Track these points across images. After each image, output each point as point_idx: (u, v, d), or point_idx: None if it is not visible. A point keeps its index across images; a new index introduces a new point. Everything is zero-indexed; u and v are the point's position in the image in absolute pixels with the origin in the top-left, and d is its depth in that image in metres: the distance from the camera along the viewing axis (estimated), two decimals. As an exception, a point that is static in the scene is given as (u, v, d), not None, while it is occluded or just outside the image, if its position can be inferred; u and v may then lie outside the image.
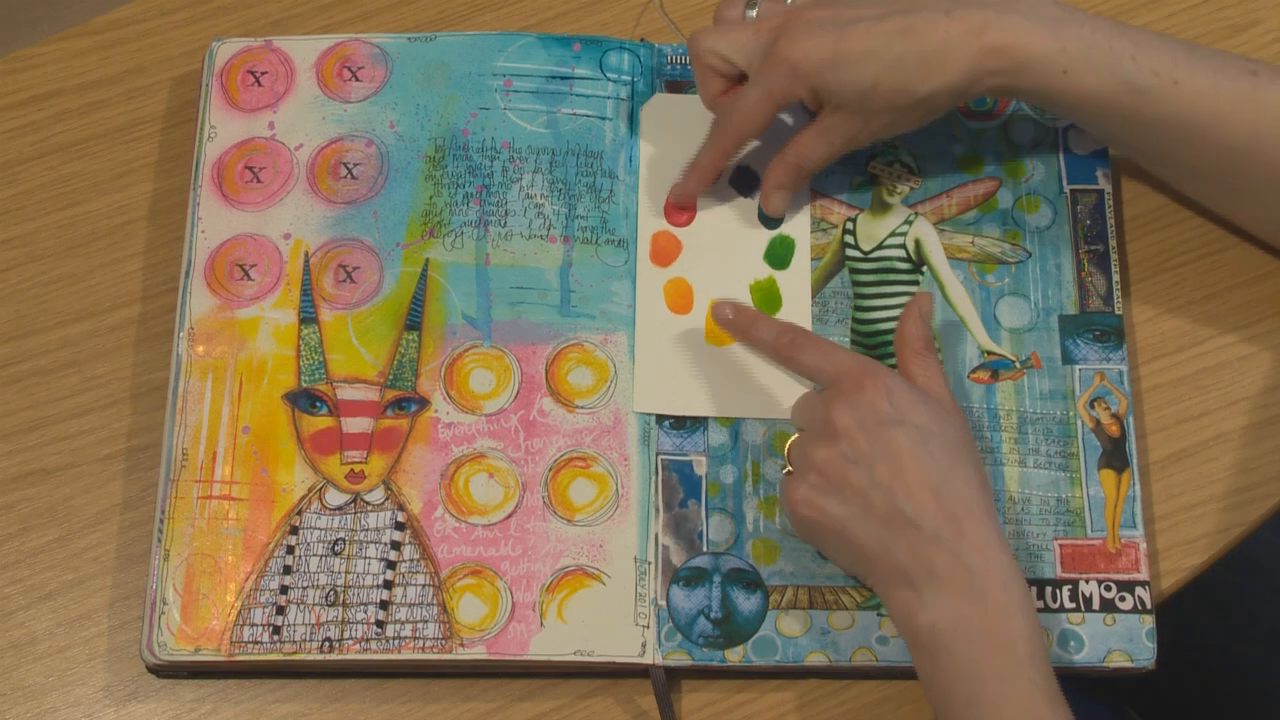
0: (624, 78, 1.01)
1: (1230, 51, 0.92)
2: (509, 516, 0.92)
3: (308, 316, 0.96)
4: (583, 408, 0.94)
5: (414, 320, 0.96)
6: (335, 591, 0.90)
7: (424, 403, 0.94)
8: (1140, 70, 0.89)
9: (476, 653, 0.89)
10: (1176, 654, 0.91)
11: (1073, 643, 0.89)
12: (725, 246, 0.98)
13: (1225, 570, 0.93)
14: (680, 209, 0.98)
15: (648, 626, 0.90)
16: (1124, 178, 1.00)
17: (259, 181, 0.99)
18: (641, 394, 0.94)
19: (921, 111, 0.92)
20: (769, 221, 0.98)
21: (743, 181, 0.99)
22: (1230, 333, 0.97)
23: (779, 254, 0.98)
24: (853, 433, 0.85)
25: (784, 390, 0.94)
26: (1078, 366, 0.95)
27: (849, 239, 0.98)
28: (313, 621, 0.90)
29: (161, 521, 0.92)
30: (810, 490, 0.86)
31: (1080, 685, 0.86)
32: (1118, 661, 0.89)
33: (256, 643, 0.89)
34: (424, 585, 0.90)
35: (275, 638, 0.89)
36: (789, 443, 0.90)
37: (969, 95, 0.91)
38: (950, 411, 0.87)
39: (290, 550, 0.91)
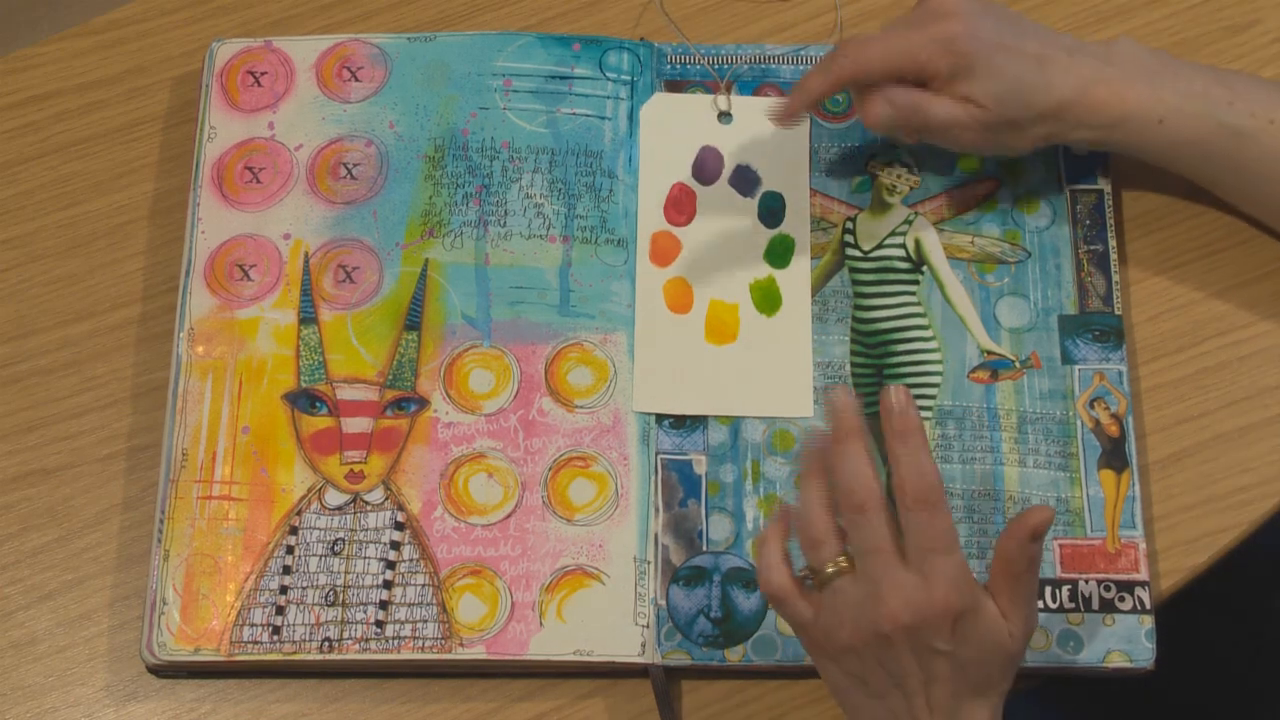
0: (624, 77, 1.01)
1: None
2: (508, 516, 0.92)
3: (307, 316, 0.96)
4: (582, 407, 0.94)
5: (413, 320, 0.96)
6: (335, 591, 0.90)
7: (423, 403, 0.94)
8: (1237, 113, 0.91)
9: (476, 653, 0.89)
10: (1166, 654, 0.91)
11: (1072, 643, 0.89)
12: (725, 246, 0.98)
13: (1211, 570, 0.93)
14: (782, 117, 0.93)
15: (647, 626, 0.90)
16: (1124, 178, 1.00)
17: (259, 182, 0.99)
18: (641, 393, 0.94)
19: (1018, 141, 0.93)
20: (769, 221, 0.99)
21: (743, 181, 0.99)
22: (1230, 333, 0.97)
23: (779, 253, 0.98)
24: (899, 643, 0.78)
25: (784, 389, 0.94)
26: (1077, 366, 0.95)
27: (849, 238, 0.98)
28: (312, 621, 0.90)
29: (161, 521, 0.92)
30: (824, 658, 0.81)
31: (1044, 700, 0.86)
32: (1117, 662, 0.89)
33: (256, 643, 0.89)
34: (423, 585, 0.90)
35: (275, 638, 0.89)
36: (816, 558, 0.80)
37: (1063, 138, 0.94)
38: (1014, 660, 0.81)
39: (290, 550, 0.91)
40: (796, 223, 0.98)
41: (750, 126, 1.00)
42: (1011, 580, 0.79)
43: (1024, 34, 0.92)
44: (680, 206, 0.99)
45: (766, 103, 0.97)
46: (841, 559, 0.79)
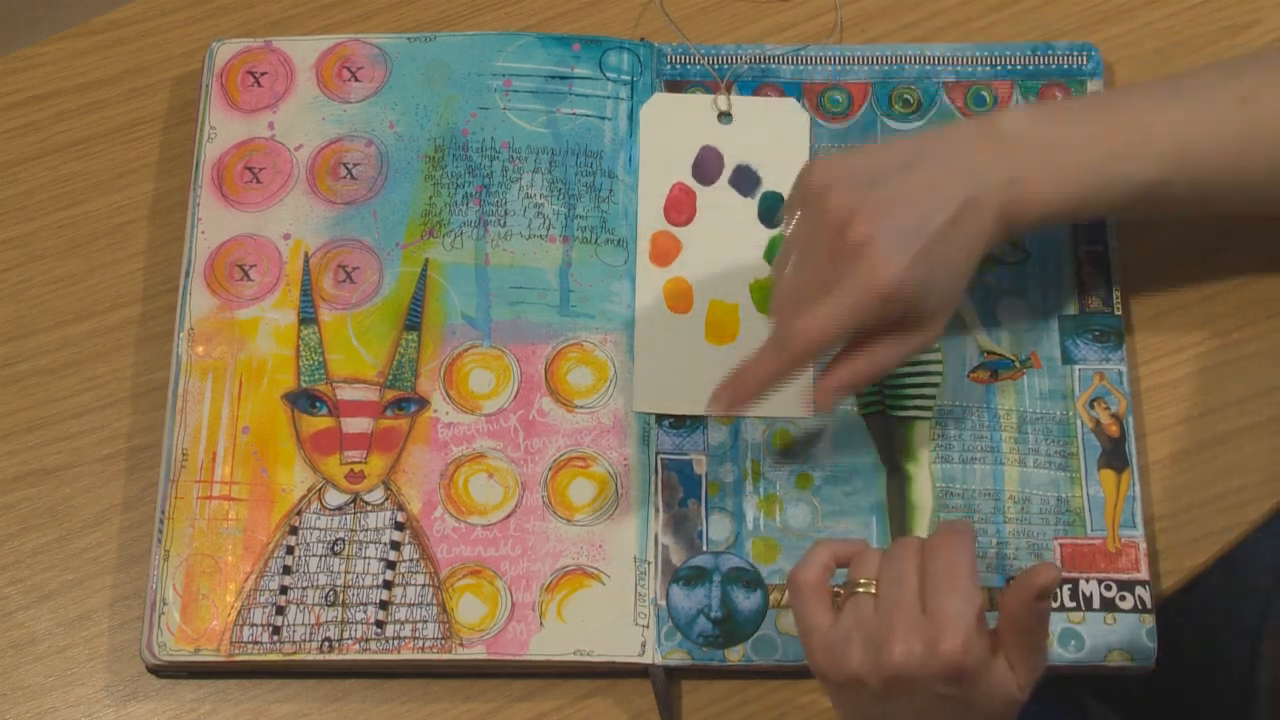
0: (624, 78, 1.01)
1: (1216, 68, 0.90)
2: (508, 516, 0.92)
3: (307, 317, 0.96)
4: (582, 407, 0.94)
5: (413, 320, 0.96)
6: (335, 591, 0.90)
7: (423, 403, 0.94)
8: (1147, 164, 0.86)
9: (476, 653, 0.89)
10: (1167, 653, 0.91)
11: (1073, 642, 0.89)
12: (725, 246, 0.98)
13: (1211, 570, 0.93)
14: (728, 406, 0.88)
15: (647, 626, 0.90)
16: (1124, 177, 1.00)
17: (259, 182, 0.99)
18: (641, 393, 0.94)
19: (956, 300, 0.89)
20: (769, 221, 0.98)
21: (743, 181, 0.99)
22: (1230, 333, 0.97)
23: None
24: (901, 685, 0.77)
25: (784, 389, 0.94)
26: (1077, 366, 0.95)
27: (849, 239, 0.98)
28: (312, 621, 0.90)
29: (161, 521, 0.92)
30: (829, 680, 0.80)
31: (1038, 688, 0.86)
32: (1118, 661, 0.89)
33: (256, 643, 0.89)
34: (423, 585, 0.90)
35: (275, 638, 0.89)
36: (851, 579, 0.80)
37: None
38: (1019, 705, 0.79)
39: (290, 550, 0.91)
40: (796, 223, 0.98)
41: (750, 126, 1.00)
42: (1021, 636, 0.78)
43: (930, 213, 0.83)
44: (680, 206, 0.99)
45: (717, 392, 0.88)
46: (874, 584, 0.79)
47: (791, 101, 1.01)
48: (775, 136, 1.00)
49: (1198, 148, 0.87)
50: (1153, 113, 0.88)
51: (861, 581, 0.79)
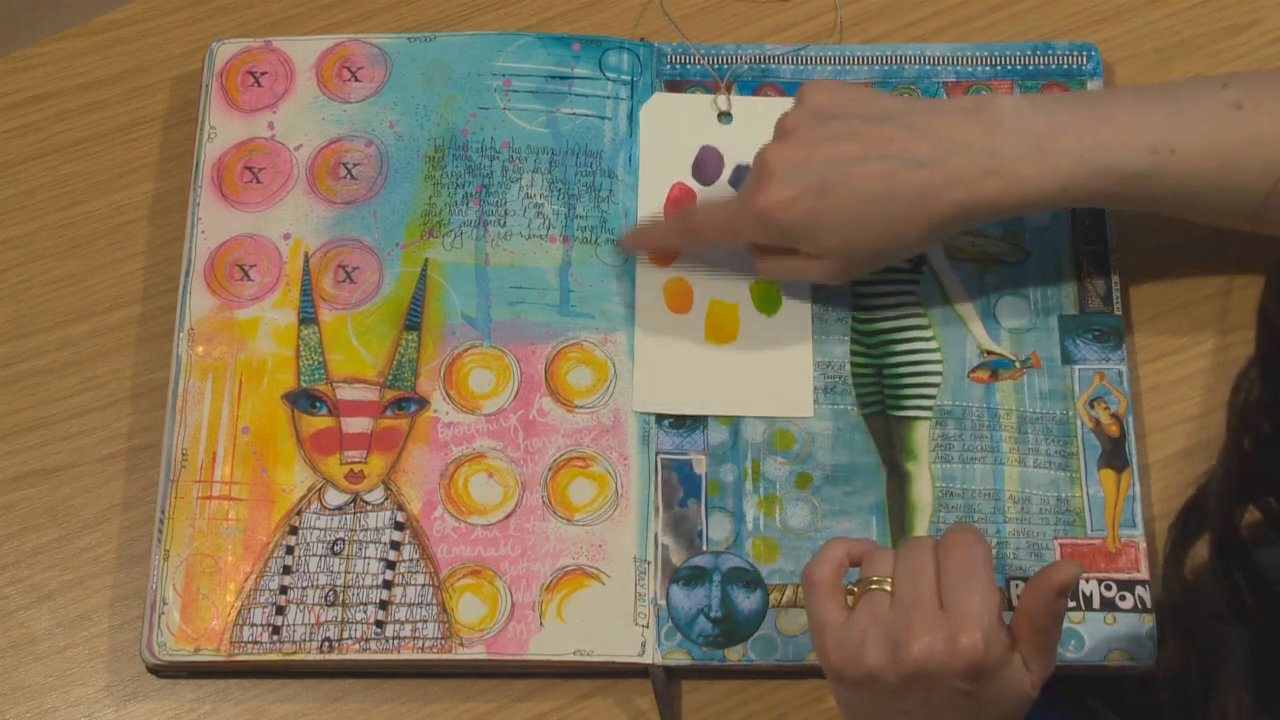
0: (624, 77, 1.01)
1: (1205, 79, 0.91)
2: (508, 516, 0.92)
3: (307, 317, 0.96)
4: (582, 407, 0.94)
5: (413, 320, 0.96)
6: (335, 591, 0.90)
7: (423, 403, 0.94)
8: (1137, 155, 0.87)
9: (476, 653, 0.89)
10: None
11: (1073, 641, 0.89)
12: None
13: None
14: (620, 245, 0.97)
15: (647, 626, 0.90)
16: (1124, 177, 1.00)
17: (259, 182, 0.99)
18: (641, 393, 0.94)
19: (903, 254, 0.92)
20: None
21: (743, 181, 0.99)
22: (1230, 333, 0.97)
23: (779, 254, 0.98)
24: (918, 680, 0.77)
25: (784, 389, 0.94)
26: (1077, 366, 0.95)
27: (849, 239, 0.98)
28: (312, 621, 0.90)
29: (161, 521, 0.92)
30: (841, 678, 0.79)
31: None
32: (1118, 660, 0.89)
33: (256, 643, 0.89)
34: (423, 585, 0.90)
35: (275, 638, 0.89)
36: (868, 574, 0.80)
37: (955, 232, 0.91)
38: (1030, 701, 0.79)
39: (290, 550, 0.91)
40: (796, 223, 0.98)
41: (750, 126, 1.00)
42: (1037, 634, 0.78)
43: (864, 158, 0.87)
44: (680, 206, 0.99)
45: (624, 228, 0.97)
46: (888, 582, 0.79)
47: (791, 101, 1.01)
48: (775, 136, 1.00)
49: (1190, 145, 0.87)
50: (1146, 108, 0.88)
51: (875, 579, 0.79)
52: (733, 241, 0.93)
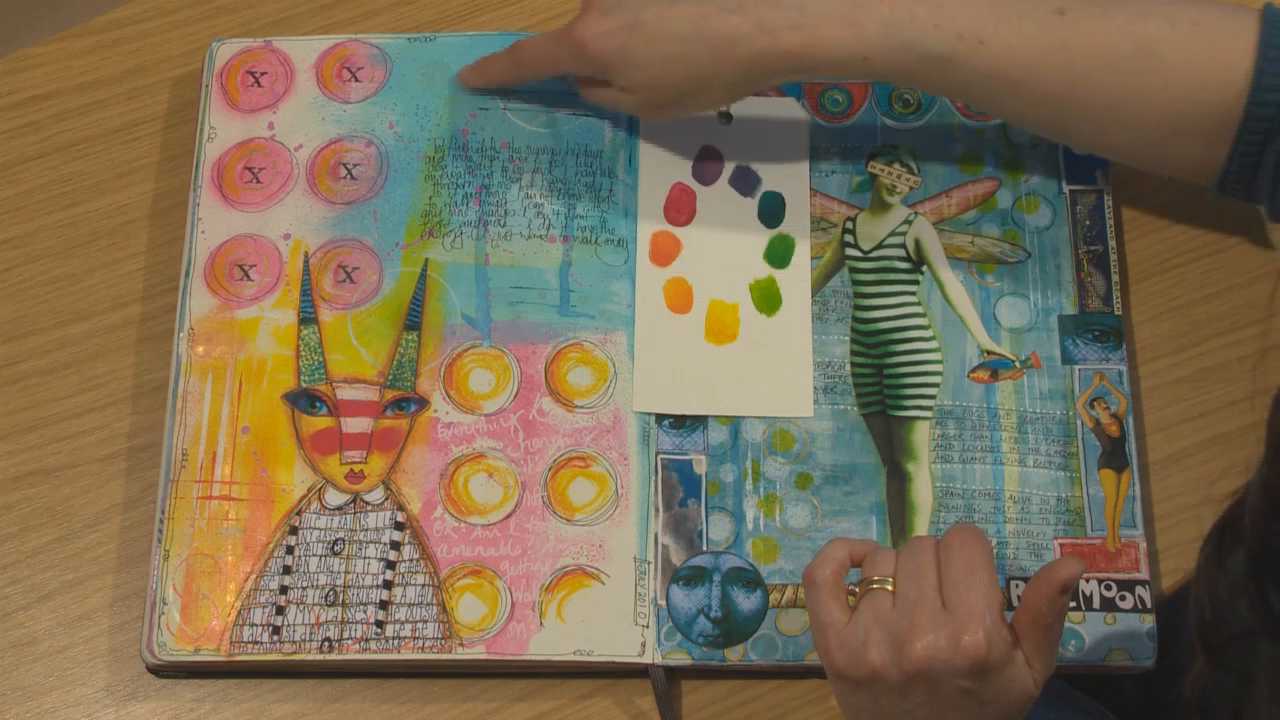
0: (624, 78, 1.01)
1: None
2: (508, 516, 0.92)
3: (307, 317, 0.96)
4: (582, 407, 0.94)
5: (413, 320, 0.96)
6: (335, 591, 0.90)
7: (423, 403, 0.94)
8: (944, 38, 0.87)
9: (476, 653, 0.89)
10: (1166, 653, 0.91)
11: (1074, 642, 0.89)
12: (725, 246, 0.98)
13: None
14: (462, 78, 1.00)
15: (647, 626, 0.90)
16: (1124, 178, 1.00)
17: (259, 182, 0.99)
18: (641, 393, 0.94)
19: (708, 100, 0.93)
20: (769, 221, 0.98)
21: (743, 181, 0.99)
22: (1230, 333, 0.97)
23: (779, 253, 0.98)
24: (920, 679, 0.77)
25: (784, 389, 0.94)
26: (1077, 366, 0.95)
27: (849, 238, 0.98)
28: (312, 621, 0.90)
29: (161, 521, 0.92)
30: (842, 678, 0.79)
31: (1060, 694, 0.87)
32: (1119, 660, 0.89)
33: (256, 643, 0.89)
34: (423, 585, 0.90)
35: (275, 638, 0.89)
36: (868, 578, 0.80)
37: (759, 88, 0.94)
38: (1032, 700, 0.79)
39: (290, 550, 0.91)
40: (796, 223, 0.98)
41: (750, 126, 1.00)
42: (1039, 631, 0.78)
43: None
44: (680, 206, 0.99)
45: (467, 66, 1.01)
46: (890, 581, 0.79)
47: (791, 101, 1.01)
48: (775, 136, 1.00)
49: (999, 39, 0.87)
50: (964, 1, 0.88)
51: (877, 578, 0.79)
52: (555, 72, 0.96)
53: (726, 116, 1.00)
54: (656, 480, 0.93)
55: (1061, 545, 0.91)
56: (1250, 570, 0.67)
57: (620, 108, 0.96)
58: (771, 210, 0.99)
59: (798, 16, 0.88)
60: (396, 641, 0.89)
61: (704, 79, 0.90)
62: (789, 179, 0.99)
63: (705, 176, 1.00)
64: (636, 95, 0.93)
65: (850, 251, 0.98)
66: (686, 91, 0.92)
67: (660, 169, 0.99)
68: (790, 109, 1.00)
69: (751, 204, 0.99)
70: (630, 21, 0.90)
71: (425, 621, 0.90)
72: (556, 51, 0.94)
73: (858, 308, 0.96)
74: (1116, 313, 0.96)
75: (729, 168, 0.99)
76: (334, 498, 0.92)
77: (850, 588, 0.80)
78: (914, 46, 0.87)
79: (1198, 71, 0.86)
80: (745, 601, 0.90)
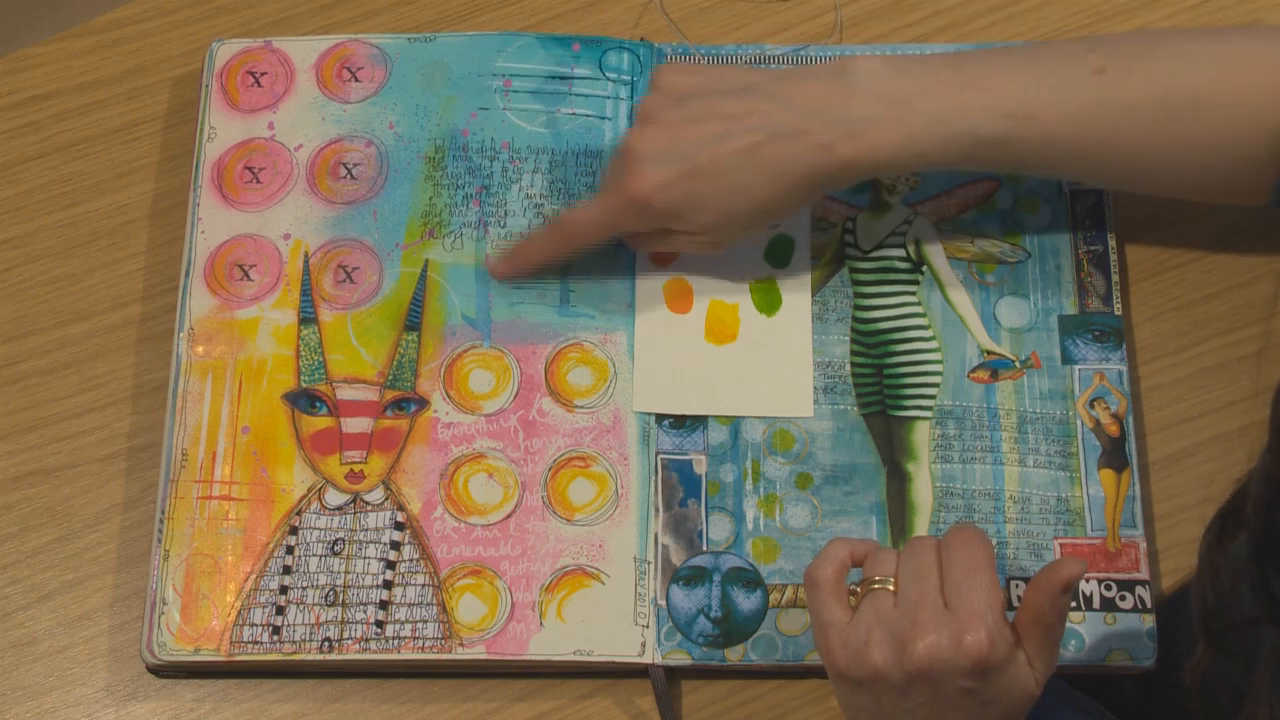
0: (624, 78, 1.01)
1: (1074, 42, 0.90)
2: (508, 516, 0.92)
3: (307, 317, 0.96)
4: (582, 407, 0.94)
5: (413, 320, 0.96)
6: (335, 591, 0.90)
7: (423, 403, 0.94)
8: (993, 119, 0.87)
9: (476, 653, 0.89)
10: (1166, 652, 0.91)
11: (1074, 642, 0.89)
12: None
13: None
14: (497, 270, 0.96)
15: (647, 626, 0.90)
16: (1124, 177, 1.00)
17: (259, 182, 0.99)
18: (641, 393, 0.94)
19: (774, 218, 0.94)
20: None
21: (742, 181, 0.99)
22: (1230, 333, 0.97)
23: (779, 253, 0.98)
24: (924, 680, 0.77)
25: (784, 389, 0.94)
26: (1077, 366, 0.95)
27: (849, 238, 0.98)
28: (312, 621, 0.90)
29: (161, 521, 0.92)
30: (843, 678, 0.79)
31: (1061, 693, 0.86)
32: (1119, 660, 0.89)
33: (256, 643, 0.89)
34: (423, 585, 0.90)
35: (275, 638, 0.89)
36: (868, 580, 0.80)
37: (824, 195, 0.95)
38: (1033, 699, 0.79)
39: (290, 550, 0.91)
40: (796, 223, 0.98)
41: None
42: (1041, 631, 0.78)
43: (727, 134, 0.88)
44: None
45: (499, 253, 0.97)
46: (891, 581, 0.79)
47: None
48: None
49: (1047, 111, 0.88)
50: (1007, 73, 0.88)
51: (878, 578, 0.79)
52: (609, 235, 0.94)
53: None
54: (656, 480, 0.93)
55: (1061, 545, 0.91)
56: (1253, 556, 0.68)
57: (688, 249, 0.94)
58: (771, 210, 0.99)
59: (846, 127, 0.87)
60: (396, 641, 0.89)
61: (769, 203, 0.90)
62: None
63: (705, 176, 1.00)
64: (707, 234, 0.92)
65: (850, 251, 0.98)
66: (754, 219, 0.91)
67: (660, 169, 0.99)
68: None
69: (751, 204, 0.99)
70: (687, 169, 0.88)
71: (425, 621, 0.90)
72: (613, 216, 0.92)
73: (858, 308, 0.96)
74: (1116, 313, 0.96)
75: None
76: (334, 498, 0.92)
77: (851, 588, 0.80)
78: (966, 133, 0.88)
79: (1255, 105, 0.87)
80: (745, 601, 0.90)
